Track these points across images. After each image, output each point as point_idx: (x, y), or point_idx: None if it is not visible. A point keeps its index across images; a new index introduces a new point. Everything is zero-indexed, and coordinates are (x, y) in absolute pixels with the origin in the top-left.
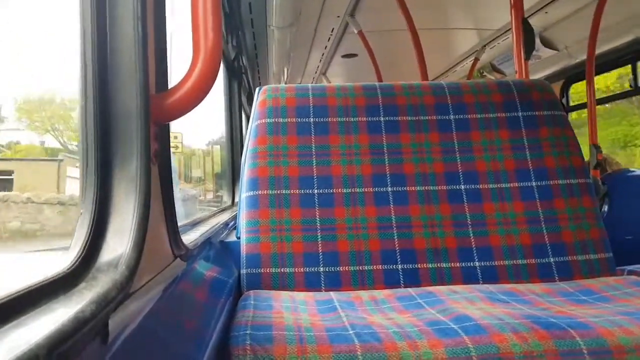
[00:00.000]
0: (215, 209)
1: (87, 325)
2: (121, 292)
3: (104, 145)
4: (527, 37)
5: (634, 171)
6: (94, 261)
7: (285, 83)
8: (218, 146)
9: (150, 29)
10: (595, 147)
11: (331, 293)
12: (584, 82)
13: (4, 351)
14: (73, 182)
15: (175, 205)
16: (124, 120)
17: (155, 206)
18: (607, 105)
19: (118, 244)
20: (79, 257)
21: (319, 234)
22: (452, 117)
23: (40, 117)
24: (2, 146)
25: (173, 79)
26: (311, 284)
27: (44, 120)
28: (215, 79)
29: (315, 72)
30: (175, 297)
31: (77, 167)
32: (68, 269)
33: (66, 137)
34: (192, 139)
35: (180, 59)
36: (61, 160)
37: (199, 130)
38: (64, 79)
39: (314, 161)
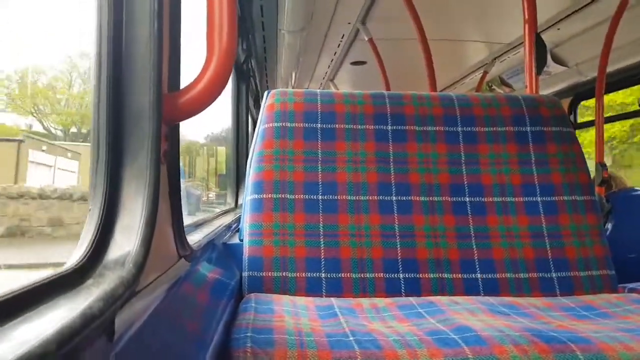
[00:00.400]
0: (218, 210)
1: (94, 322)
2: (128, 290)
3: (115, 143)
4: (540, 52)
5: (638, 190)
6: (102, 258)
7: (293, 88)
8: (223, 147)
9: (165, 28)
10: (601, 165)
11: (332, 299)
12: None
13: (14, 346)
14: (36, 168)
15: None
16: (136, 118)
17: (163, 205)
18: None
19: (125, 242)
20: (86, 254)
21: (321, 239)
22: (460, 129)
23: (20, 95)
24: None
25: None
26: (312, 289)
27: (24, 99)
28: (227, 81)
29: (323, 78)
30: (179, 297)
31: (43, 150)
32: (76, 265)
33: (51, 120)
34: (188, 130)
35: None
36: (21, 141)
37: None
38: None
39: (320, 167)
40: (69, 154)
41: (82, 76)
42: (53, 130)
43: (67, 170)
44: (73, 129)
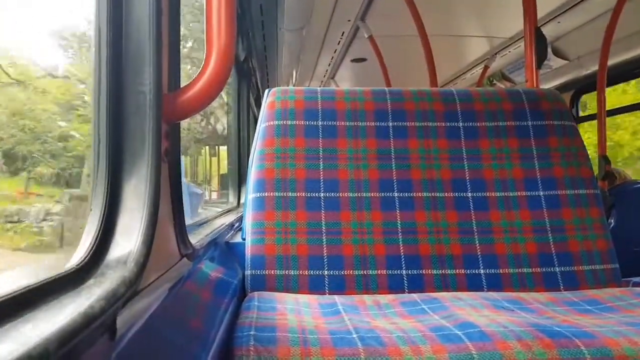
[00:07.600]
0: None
1: (96, 322)
2: (129, 289)
3: (116, 143)
4: (540, 46)
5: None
6: (103, 258)
7: (294, 86)
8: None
9: (164, 28)
10: (604, 158)
11: (335, 296)
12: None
13: (15, 345)
14: None
15: None
16: (136, 118)
17: (164, 204)
18: None
19: (127, 241)
20: (88, 254)
21: (324, 237)
22: (461, 124)
23: None
24: None
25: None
26: (315, 286)
27: None
28: (227, 79)
29: (324, 76)
30: (181, 296)
31: None
32: (77, 265)
33: None
34: None
35: None
36: None
37: None
38: None
39: (321, 164)
40: None
41: None
42: None
43: None
44: None
